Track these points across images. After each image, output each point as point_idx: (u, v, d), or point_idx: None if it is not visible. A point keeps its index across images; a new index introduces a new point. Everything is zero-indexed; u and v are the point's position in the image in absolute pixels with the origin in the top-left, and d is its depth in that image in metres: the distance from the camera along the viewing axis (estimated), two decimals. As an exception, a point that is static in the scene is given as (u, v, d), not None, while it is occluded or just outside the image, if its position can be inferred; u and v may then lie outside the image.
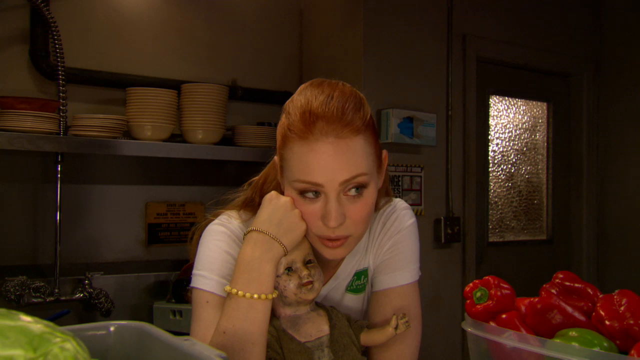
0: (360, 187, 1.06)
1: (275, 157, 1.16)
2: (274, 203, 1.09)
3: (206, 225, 1.21)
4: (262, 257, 1.05)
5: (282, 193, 1.14)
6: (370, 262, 1.24)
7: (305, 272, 1.08)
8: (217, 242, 1.16)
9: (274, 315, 1.10)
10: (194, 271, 1.16)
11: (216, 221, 1.20)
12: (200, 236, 1.20)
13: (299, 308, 1.10)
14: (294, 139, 1.05)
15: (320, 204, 1.06)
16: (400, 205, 1.28)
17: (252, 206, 1.21)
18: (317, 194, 1.06)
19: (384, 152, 1.16)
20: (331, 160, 1.03)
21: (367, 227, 1.14)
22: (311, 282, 1.08)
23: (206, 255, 1.16)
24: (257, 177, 1.26)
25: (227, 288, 1.05)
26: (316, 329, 1.10)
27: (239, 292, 1.03)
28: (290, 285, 1.07)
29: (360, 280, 1.24)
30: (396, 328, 1.10)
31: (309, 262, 1.11)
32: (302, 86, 1.13)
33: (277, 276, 1.08)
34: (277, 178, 1.18)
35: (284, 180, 1.12)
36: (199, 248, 1.18)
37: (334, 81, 1.13)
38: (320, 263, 1.14)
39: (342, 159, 1.03)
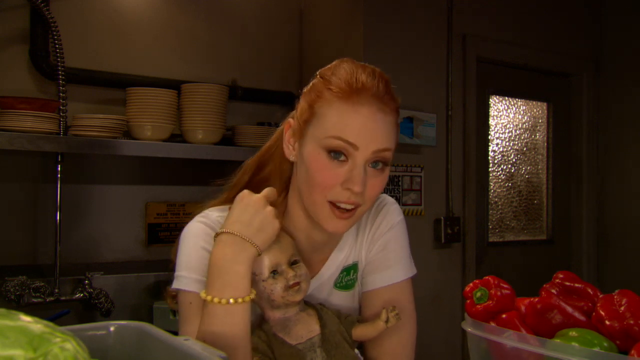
0: (383, 163, 1.09)
1: (290, 120, 1.15)
2: (245, 202, 1.05)
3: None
4: (233, 260, 1.01)
5: (283, 167, 1.16)
6: (363, 257, 1.23)
7: (291, 274, 1.06)
8: (194, 238, 1.14)
9: (263, 319, 1.09)
10: (175, 273, 1.14)
11: (195, 218, 1.18)
12: None
13: (288, 310, 1.09)
14: (335, 97, 1.06)
15: (345, 168, 1.06)
16: (388, 200, 1.27)
17: (242, 187, 1.19)
18: (344, 157, 1.06)
19: None
20: (372, 127, 1.06)
21: (373, 205, 1.17)
22: (298, 284, 1.07)
23: (184, 254, 1.14)
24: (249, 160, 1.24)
25: (203, 295, 1.02)
26: (307, 329, 1.09)
27: (214, 299, 1.00)
28: (277, 288, 1.05)
29: (350, 276, 1.23)
30: (387, 321, 1.10)
31: (295, 262, 1.09)
32: (336, 61, 1.13)
33: (263, 280, 1.06)
34: (277, 152, 1.17)
35: (307, 138, 1.09)
36: (178, 250, 1.16)
37: (374, 67, 1.15)
38: (304, 262, 1.12)
39: (381, 129, 1.07)
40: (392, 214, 1.25)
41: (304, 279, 1.08)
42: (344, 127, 1.05)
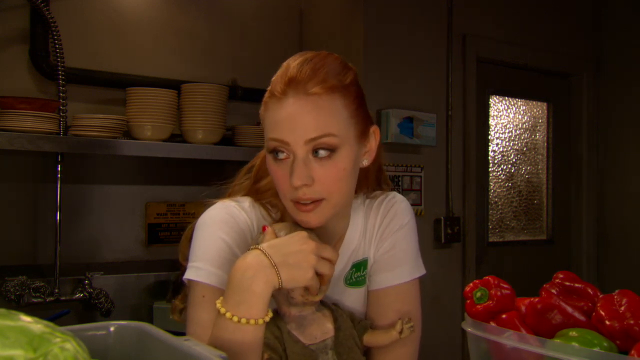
0: (329, 150, 1.03)
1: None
2: (297, 237, 1.01)
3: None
4: (253, 279, 0.95)
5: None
6: (371, 254, 1.22)
7: None
8: (211, 228, 1.12)
9: (278, 314, 1.09)
10: (189, 263, 1.11)
11: (213, 206, 1.16)
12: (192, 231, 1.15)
13: (305, 309, 1.08)
14: (272, 100, 1.06)
15: (290, 164, 1.04)
16: (398, 198, 1.26)
17: (247, 189, 1.20)
18: (284, 154, 1.04)
19: (374, 127, 1.14)
20: (298, 118, 1.02)
21: (343, 195, 1.09)
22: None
23: (200, 244, 1.11)
24: (249, 164, 1.25)
25: (218, 305, 0.98)
26: (321, 330, 1.08)
27: (227, 313, 0.95)
28: (298, 287, 1.03)
29: (360, 272, 1.21)
30: (401, 332, 1.09)
31: None
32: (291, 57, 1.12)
33: None
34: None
35: (265, 144, 1.11)
36: (193, 238, 1.13)
37: (324, 52, 1.11)
38: None
39: (309, 116, 1.02)
40: (402, 212, 1.23)
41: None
42: (274, 127, 1.04)
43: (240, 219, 1.14)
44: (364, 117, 1.10)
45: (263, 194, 1.20)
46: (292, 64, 1.06)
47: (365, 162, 1.14)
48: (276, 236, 1.04)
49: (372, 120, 1.15)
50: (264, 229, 1.07)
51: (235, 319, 0.95)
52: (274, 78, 1.09)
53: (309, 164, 1.03)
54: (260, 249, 0.98)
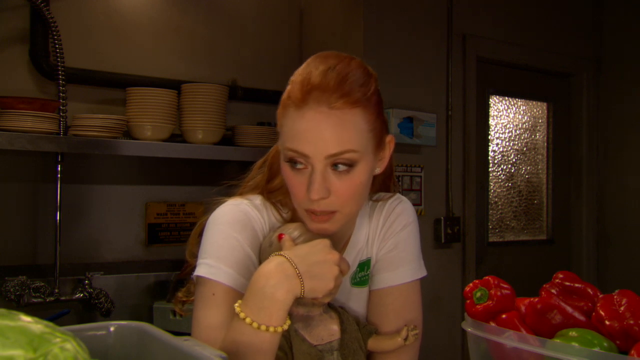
0: (348, 164, 1.03)
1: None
2: (320, 247, 1.01)
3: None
4: (276, 286, 0.94)
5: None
6: (374, 254, 1.22)
7: None
8: (224, 226, 1.10)
9: None
10: (199, 260, 1.10)
11: (223, 204, 1.15)
12: (202, 229, 1.14)
13: (313, 309, 1.08)
14: (291, 106, 1.04)
15: (306, 176, 1.03)
16: (402, 199, 1.26)
17: (260, 188, 1.19)
18: (302, 165, 1.03)
19: (389, 137, 1.13)
20: (320, 132, 1.00)
21: (357, 206, 1.10)
22: None
23: (212, 241, 1.10)
24: (263, 158, 1.24)
25: (237, 308, 0.97)
26: (328, 332, 1.09)
27: (247, 318, 0.94)
28: None
29: (364, 272, 1.21)
30: (406, 339, 1.10)
31: None
32: (312, 57, 1.10)
33: None
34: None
35: (281, 150, 1.09)
36: (204, 235, 1.12)
37: (344, 54, 1.10)
38: None
39: (331, 131, 1.00)
40: (405, 213, 1.23)
41: None
42: (294, 137, 1.03)
43: (254, 217, 1.13)
44: (381, 126, 1.09)
45: (274, 192, 1.19)
46: (315, 71, 1.03)
47: (378, 170, 1.14)
48: (293, 240, 1.05)
49: (387, 127, 1.14)
50: (280, 237, 1.06)
51: (255, 325, 0.94)
52: (293, 78, 1.07)
53: (327, 177, 1.03)
54: (285, 257, 0.97)
